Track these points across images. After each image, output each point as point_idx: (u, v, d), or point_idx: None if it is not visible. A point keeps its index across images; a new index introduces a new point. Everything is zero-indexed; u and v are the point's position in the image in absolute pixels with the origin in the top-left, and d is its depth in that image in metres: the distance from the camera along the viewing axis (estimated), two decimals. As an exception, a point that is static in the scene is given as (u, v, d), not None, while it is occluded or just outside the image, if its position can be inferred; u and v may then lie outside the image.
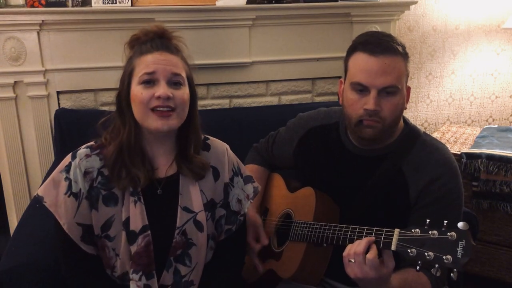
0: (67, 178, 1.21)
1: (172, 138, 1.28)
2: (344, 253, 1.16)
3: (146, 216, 1.22)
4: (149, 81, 1.18)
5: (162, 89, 1.17)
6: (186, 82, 1.24)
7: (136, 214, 1.22)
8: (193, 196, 1.28)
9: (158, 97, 1.17)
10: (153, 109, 1.18)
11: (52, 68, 2.12)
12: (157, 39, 1.24)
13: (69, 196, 1.20)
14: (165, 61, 1.20)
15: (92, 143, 1.27)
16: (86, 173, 1.21)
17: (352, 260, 1.12)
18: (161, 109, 1.18)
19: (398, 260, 1.20)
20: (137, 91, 1.19)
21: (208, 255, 1.31)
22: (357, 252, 1.12)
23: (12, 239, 1.59)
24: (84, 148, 1.26)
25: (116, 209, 1.22)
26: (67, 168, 1.22)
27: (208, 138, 1.37)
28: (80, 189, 1.20)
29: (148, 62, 1.19)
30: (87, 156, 1.23)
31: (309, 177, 1.53)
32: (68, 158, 1.24)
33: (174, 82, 1.20)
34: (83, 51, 2.12)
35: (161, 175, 1.28)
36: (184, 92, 1.22)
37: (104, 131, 1.27)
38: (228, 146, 1.39)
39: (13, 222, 2.21)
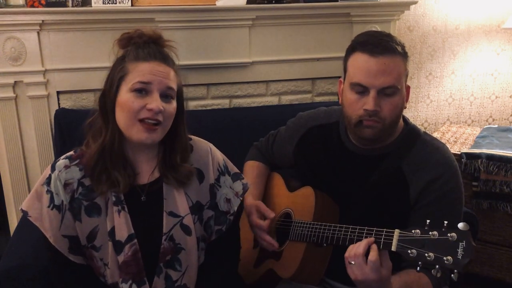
0: (48, 191, 1.19)
1: (155, 145, 1.26)
2: (346, 254, 1.15)
3: (131, 225, 1.21)
4: (142, 90, 1.15)
5: (155, 102, 1.15)
6: (175, 95, 1.22)
7: (120, 224, 1.20)
8: (178, 200, 1.26)
9: (150, 109, 1.14)
10: (140, 120, 1.15)
11: (52, 68, 2.11)
12: (153, 46, 1.21)
13: (52, 209, 1.18)
14: (162, 73, 1.17)
15: (71, 153, 1.25)
16: (66, 185, 1.19)
17: (353, 262, 1.11)
18: (149, 121, 1.15)
19: (399, 260, 1.20)
20: (127, 98, 1.15)
21: (200, 257, 1.30)
22: (357, 253, 1.11)
23: (12, 239, 1.59)
24: (63, 159, 1.23)
25: (100, 219, 1.20)
26: (48, 181, 1.20)
27: (191, 139, 1.34)
28: (62, 201, 1.19)
29: (145, 71, 1.16)
30: (66, 167, 1.21)
31: (309, 176, 1.53)
32: (48, 170, 1.22)
33: (166, 95, 1.18)
34: (83, 51, 2.12)
35: (143, 181, 1.25)
36: (172, 106, 1.20)
37: (89, 132, 1.23)
38: (212, 145, 1.36)
39: (13, 222, 2.21)
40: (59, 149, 2.05)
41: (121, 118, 1.17)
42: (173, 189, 1.26)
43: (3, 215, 2.26)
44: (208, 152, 1.33)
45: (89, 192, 1.20)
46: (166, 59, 1.21)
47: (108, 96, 1.20)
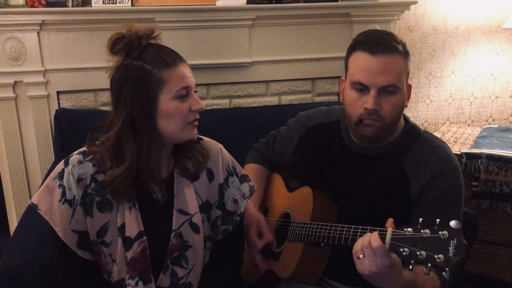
0: (60, 185, 1.19)
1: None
2: (353, 252, 1.12)
3: (141, 222, 1.22)
4: (185, 95, 1.17)
5: (199, 103, 1.19)
6: None
7: (131, 220, 1.21)
8: (188, 198, 1.27)
9: (195, 110, 1.18)
10: (189, 122, 1.19)
11: (52, 68, 2.12)
12: (165, 48, 1.19)
13: (63, 203, 1.19)
14: (191, 73, 1.20)
15: (84, 148, 1.24)
16: (79, 180, 1.19)
17: (361, 256, 1.10)
18: (194, 119, 1.20)
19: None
20: (175, 106, 1.16)
21: (205, 256, 1.31)
22: (364, 244, 1.10)
23: (12, 239, 1.59)
24: (77, 154, 1.23)
25: (111, 215, 1.21)
26: (60, 175, 1.20)
27: (202, 139, 1.35)
28: (74, 196, 1.19)
29: (183, 75, 1.17)
30: (80, 162, 1.21)
31: (309, 175, 1.53)
32: (61, 165, 1.22)
33: (195, 91, 1.22)
34: (83, 51, 2.12)
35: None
36: None
37: (98, 136, 1.22)
38: (221, 146, 1.37)
39: (13, 222, 2.21)
40: (59, 149, 2.06)
41: (170, 125, 1.18)
42: (184, 186, 1.27)
43: (3, 215, 2.26)
44: (219, 152, 1.34)
45: (101, 187, 1.21)
46: (182, 57, 1.21)
47: (144, 112, 1.16)
